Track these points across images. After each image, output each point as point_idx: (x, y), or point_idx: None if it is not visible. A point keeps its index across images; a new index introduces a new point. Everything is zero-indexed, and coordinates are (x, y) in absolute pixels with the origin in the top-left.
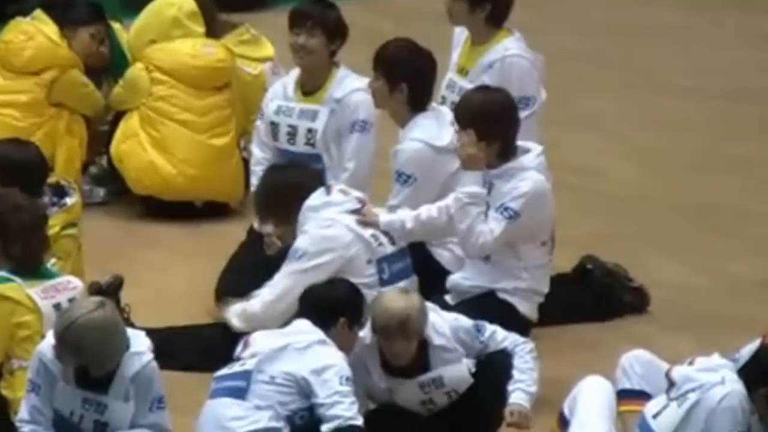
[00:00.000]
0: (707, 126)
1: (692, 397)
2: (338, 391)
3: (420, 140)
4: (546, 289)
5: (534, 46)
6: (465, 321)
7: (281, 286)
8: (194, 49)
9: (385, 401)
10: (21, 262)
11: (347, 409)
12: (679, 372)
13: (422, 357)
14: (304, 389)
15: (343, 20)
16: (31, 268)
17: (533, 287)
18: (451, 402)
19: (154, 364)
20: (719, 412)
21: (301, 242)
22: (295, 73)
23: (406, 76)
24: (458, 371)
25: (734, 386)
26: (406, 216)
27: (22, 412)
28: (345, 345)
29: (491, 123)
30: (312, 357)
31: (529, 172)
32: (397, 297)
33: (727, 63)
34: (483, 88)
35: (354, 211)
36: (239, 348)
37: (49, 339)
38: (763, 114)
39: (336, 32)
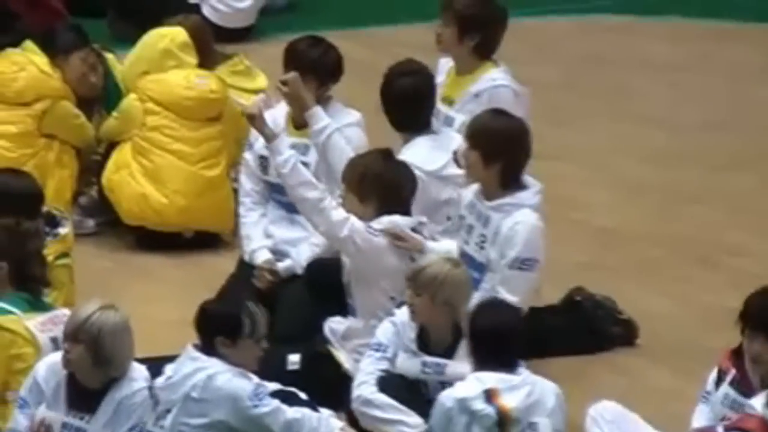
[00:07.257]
0: (689, 157)
1: None
2: (261, 414)
3: (410, 164)
4: None
5: (515, 77)
6: None
7: None
8: (187, 80)
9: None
10: (38, 282)
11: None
12: None
13: (453, 344)
14: (228, 426)
15: (340, 63)
16: (41, 287)
17: None
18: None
19: (147, 392)
20: None
21: None
22: (285, 105)
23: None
24: (462, 367)
25: None
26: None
27: (10, 426)
28: (247, 358)
29: (497, 147)
30: (214, 401)
31: (524, 211)
32: (442, 259)
33: (707, 94)
34: (500, 112)
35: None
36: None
37: (48, 359)
38: (745, 146)
39: (329, 77)
